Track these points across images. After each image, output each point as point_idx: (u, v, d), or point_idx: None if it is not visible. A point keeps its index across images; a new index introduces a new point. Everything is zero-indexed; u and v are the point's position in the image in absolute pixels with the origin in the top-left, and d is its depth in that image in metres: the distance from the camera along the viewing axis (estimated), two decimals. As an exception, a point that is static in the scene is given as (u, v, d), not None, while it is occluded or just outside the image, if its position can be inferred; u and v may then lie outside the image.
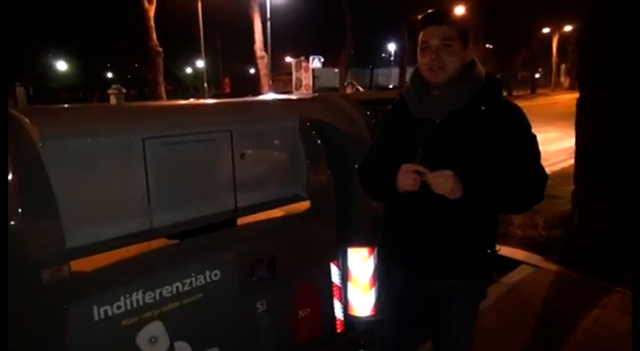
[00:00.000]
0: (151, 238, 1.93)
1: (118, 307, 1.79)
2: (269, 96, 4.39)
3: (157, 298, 1.89)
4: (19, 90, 26.50)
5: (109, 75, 55.99)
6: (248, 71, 48.51)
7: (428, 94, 1.77)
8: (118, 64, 51.15)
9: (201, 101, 2.59)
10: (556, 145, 10.78)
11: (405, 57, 34.20)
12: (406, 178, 1.68)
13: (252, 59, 27.07)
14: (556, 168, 8.14)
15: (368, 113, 2.80)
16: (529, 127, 1.75)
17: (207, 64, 29.64)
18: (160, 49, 19.69)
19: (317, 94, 3.74)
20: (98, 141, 1.76)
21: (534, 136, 1.75)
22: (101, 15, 37.20)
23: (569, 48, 43.41)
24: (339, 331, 2.68)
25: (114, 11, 35.49)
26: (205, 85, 23.94)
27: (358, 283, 2.75)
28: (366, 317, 2.78)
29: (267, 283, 2.28)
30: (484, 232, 1.82)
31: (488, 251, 1.84)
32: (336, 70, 33.79)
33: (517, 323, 3.32)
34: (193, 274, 1.99)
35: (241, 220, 2.25)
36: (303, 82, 24.83)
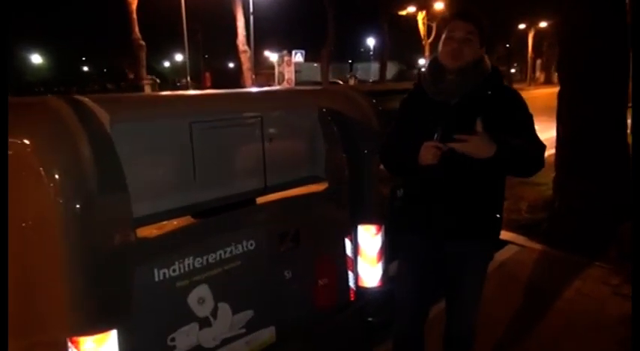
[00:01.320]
0: (197, 211, 2.17)
1: (174, 271, 2.03)
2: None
3: (205, 263, 2.14)
4: (-5, 83, 25.99)
5: (85, 68, 55.20)
6: (228, 66, 48.41)
7: (442, 79, 2.06)
8: (95, 57, 50.49)
9: (235, 90, 2.83)
10: (535, 137, 11.23)
11: (386, 52, 34.57)
12: (428, 153, 1.96)
13: (232, 54, 27.13)
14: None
15: (374, 102, 3.09)
16: (527, 107, 2.09)
17: (190, 58, 29.56)
18: (143, 43, 19.67)
19: (330, 86, 4.01)
20: (156, 124, 2.00)
21: (531, 115, 2.09)
22: (78, 8, 36.68)
23: (545, 44, 44.50)
24: (352, 299, 2.96)
25: (91, 4, 35.00)
26: (189, 78, 23.95)
27: (367, 257, 3.03)
28: (374, 288, 3.07)
29: (292, 254, 2.54)
30: (493, 199, 2.14)
31: (497, 216, 2.15)
32: (316, 64, 34.07)
33: (505, 295, 3.66)
34: (233, 244, 2.25)
35: (270, 197, 2.51)
36: (286, 76, 25.05)
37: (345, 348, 2.87)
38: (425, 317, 2.41)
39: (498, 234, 2.24)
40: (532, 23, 43.44)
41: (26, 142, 1.82)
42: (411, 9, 32.45)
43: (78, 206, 1.75)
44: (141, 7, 19.63)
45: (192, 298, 2.12)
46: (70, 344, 1.81)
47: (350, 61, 52.97)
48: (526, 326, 3.22)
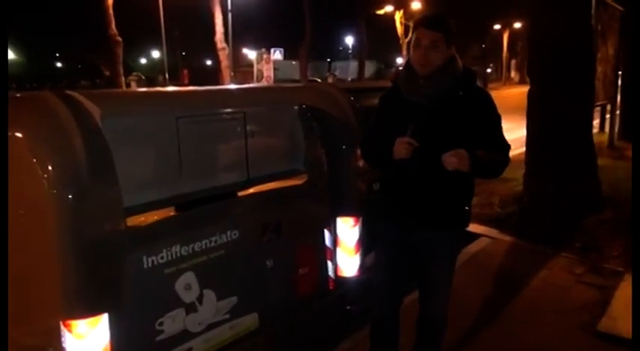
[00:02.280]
0: (183, 202, 2.28)
1: (162, 258, 2.14)
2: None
3: (190, 251, 2.25)
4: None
5: (59, 64, 54.11)
6: (206, 63, 48.02)
7: (416, 82, 2.20)
8: (68, 53, 49.52)
9: (220, 87, 2.93)
10: (509, 136, 11.46)
11: (364, 51, 34.80)
12: (401, 148, 2.11)
13: (210, 51, 26.93)
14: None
15: (352, 99, 3.23)
16: (496, 108, 2.23)
17: (166, 55, 29.16)
18: (120, 39, 19.47)
19: (310, 83, 4.14)
20: (144, 119, 2.10)
21: (500, 116, 2.24)
22: (52, 2, 35.95)
23: (519, 44, 45.32)
24: (331, 287, 3.09)
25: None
26: (167, 75, 23.79)
27: (346, 247, 3.16)
28: (352, 277, 3.20)
29: (274, 244, 2.67)
30: (462, 193, 2.29)
31: (466, 208, 2.30)
32: (294, 62, 34.10)
33: (477, 284, 3.84)
34: (218, 233, 2.36)
35: (252, 190, 2.63)
36: (265, 74, 25.03)
37: (325, 334, 3.00)
38: (399, 302, 2.55)
39: (466, 225, 2.40)
40: (507, 24, 44.19)
41: (21, 135, 1.90)
42: (389, 8, 32.73)
43: (70, 196, 1.85)
44: (117, 2, 19.41)
45: (179, 285, 2.23)
46: (63, 328, 1.90)
47: (328, 60, 53.07)
48: (495, 312, 3.40)
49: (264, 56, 25.02)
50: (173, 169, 2.25)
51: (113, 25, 19.27)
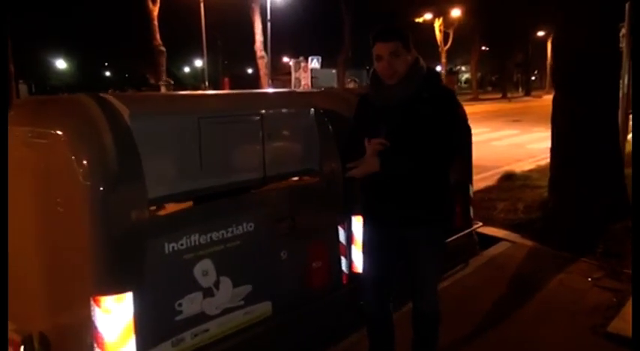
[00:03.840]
0: (202, 195, 2.50)
1: (182, 245, 2.36)
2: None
3: (209, 240, 2.46)
4: (22, 87, 27.05)
5: (107, 74, 56.43)
6: (246, 71, 49.05)
7: (383, 88, 2.34)
8: (116, 63, 51.59)
9: (239, 91, 3.16)
10: (546, 143, 11.38)
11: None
12: (373, 150, 2.24)
13: (250, 59, 27.55)
14: (543, 163, 8.73)
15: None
16: (457, 110, 2.38)
17: (209, 64, 30.05)
18: (164, 49, 20.25)
19: (328, 89, 4.32)
20: (168, 119, 2.34)
21: (458, 116, 2.38)
22: (101, 14, 37.64)
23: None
24: (344, 282, 3.25)
25: (114, 11, 35.92)
26: (207, 83, 24.53)
27: (360, 245, 3.31)
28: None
29: (288, 238, 2.85)
30: (435, 192, 2.38)
31: (444, 203, 2.43)
32: (333, 70, 34.45)
33: (495, 285, 3.91)
34: (234, 224, 2.57)
35: (269, 186, 2.82)
36: (302, 82, 25.45)
37: (334, 326, 3.15)
38: (389, 297, 2.63)
39: (447, 221, 2.50)
40: (551, 31, 43.24)
41: (59, 132, 2.17)
42: (428, 16, 32.65)
43: (101, 188, 2.09)
44: (162, 14, 20.23)
45: (197, 270, 2.45)
46: (92, 302, 2.14)
47: (368, 68, 53.22)
48: (509, 312, 3.46)
49: (302, 65, 25.42)
50: (194, 166, 2.48)
51: (157, 36, 20.08)
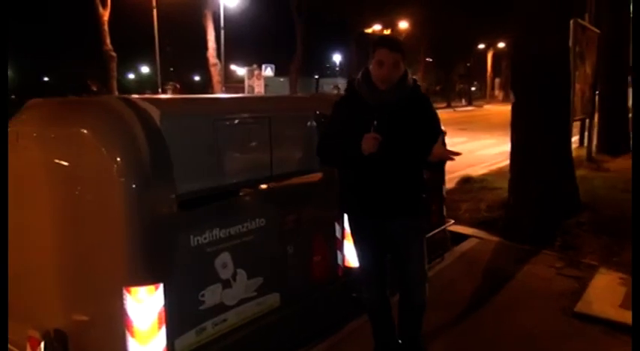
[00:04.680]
0: (221, 192, 2.65)
1: (205, 238, 2.51)
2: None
3: (227, 234, 2.62)
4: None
5: (46, 79, 54.07)
6: (194, 79, 48.40)
7: (377, 90, 2.57)
8: (57, 68, 49.59)
9: (249, 95, 3.32)
10: (494, 150, 12.13)
11: (353, 67, 35.46)
12: (369, 142, 2.44)
13: (198, 67, 27.26)
14: (494, 168, 9.33)
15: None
16: (434, 109, 2.73)
17: (154, 70, 29.28)
18: (114, 54, 19.81)
19: (323, 94, 4.55)
20: (194, 120, 2.49)
21: (436, 114, 2.72)
22: (45, 18, 36.18)
23: (503, 64, 46.51)
24: (340, 275, 3.47)
25: (60, 15, 34.61)
26: (160, 90, 24.11)
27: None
28: (357, 267, 3.58)
29: (294, 233, 3.05)
30: (417, 183, 2.67)
31: (423, 196, 2.71)
32: (282, 78, 34.72)
33: (468, 276, 4.25)
34: (249, 220, 2.74)
35: (276, 184, 3.01)
36: (256, 90, 25.51)
37: (334, 315, 3.37)
38: (386, 284, 2.84)
39: (427, 211, 2.76)
40: (491, 44, 45.43)
41: (94, 133, 2.28)
42: (377, 27, 33.58)
43: (137, 185, 2.23)
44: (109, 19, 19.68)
45: (217, 263, 2.60)
46: (125, 293, 2.26)
47: (316, 77, 53.83)
48: (484, 299, 3.79)
49: (255, 72, 25.52)
50: (215, 164, 2.64)
51: (108, 41, 19.64)
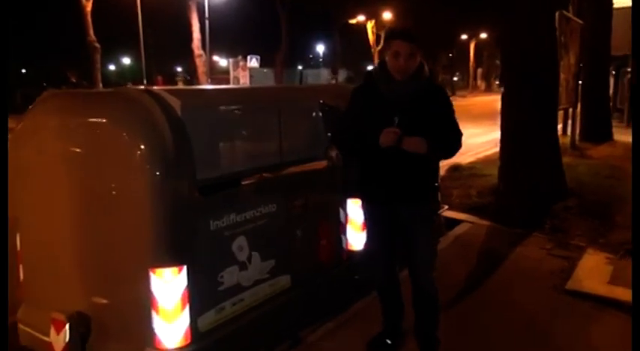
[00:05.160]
0: (236, 178, 2.78)
1: (223, 223, 2.63)
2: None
3: (243, 219, 2.74)
4: None
5: (23, 71, 53.03)
6: (176, 70, 47.96)
7: (392, 83, 2.66)
8: (34, 60, 48.66)
9: (259, 86, 3.44)
10: (480, 139, 12.40)
11: (337, 58, 35.56)
12: (388, 137, 2.55)
13: (180, 58, 27.01)
14: (481, 156, 9.57)
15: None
16: (451, 102, 2.81)
17: (135, 62, 28.91)
18: (98, 45, 19.60)
19: (327, 84, 4.67)
20: (210, 110, 2.60)
21: (452, 106, 2.79)
22: (19, 10, 35.43)
23: (485, 54, 47.04)
24: (344, 258, 3.62)
25: (35, 7, 33.94)
26: (145, 82, 23.98)
27: (355, 224, 3.70)
28: (360, 250, 3.73)
29: (302, 218, 3.18)
30: (431, 172, 2.81)
31: (436, 184, 2.85)
32: (266, 70, 34.67)
33: (462, 259, 4.44)
34: (262, 205, 2.86)
35: (286, 171, 3.13)
36: (241, 81, 25.50)
37: (339, 297, 3.52)
38: (395, 267, 2.99)
39: (437, 199, 2.90)
40: (473, 34, 45.81)
41: (118, 123, 2.39)
42: (361, 18, 33.65)
43: (161, 171, 2.34)
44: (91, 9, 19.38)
45: (235, 246, 2.72)
46: (151, 274, 2.38)
47: (300, 68, 53.73)
48: (480, 280, 3.99)
49: (240, 63, 25.48)
50: (231, 151, 2.76)
51: (91, 32, 19.41)
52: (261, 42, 33.98)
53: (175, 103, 2.45)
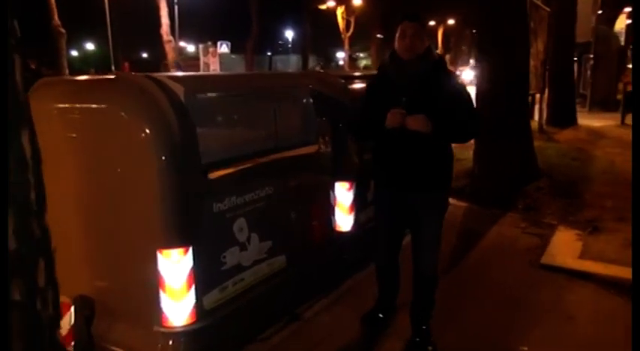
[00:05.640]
0: (236, 162, 2.88)
1: (225, 205, 2.73)
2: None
3: (243, 201, 2.85)
4: None
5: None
6: (142, 56, 46.85)
7: (401, 65, 2.76)
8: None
9: (254, 73, 3.52)
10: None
11: (308, 45, 35.42)
12: (394, 118, 2.65)
13: (145, 44, 26.40)
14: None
15: (346, 84, 3.92)
16: (464, 86, 2.86)
17: (99, 47, 28.06)
18: (63, 31, 19.00)
19: (319, 71, 4.76)
20: (212, 96, 2.69)
21: (467, 91, 2.83)
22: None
23: (452, 40, 47.64)
24: (334, 239, 3.77)
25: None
26: (113, 68, 23.45)
27: (343, 207, 3.84)
28: (348, 232, 3.89)
29: (296, 200, 3.31)
30: (444, 158, 2.85)
31: (447, 172, 2.88)
32: (233, 56, 34.28)
33: (445, 238, 4.59)
34: (260, 187, 2.97)
35: (281, 155, 3.24)
36: (211, 67, 25.17)
37: (330, 275, 3.68)
38: (397, 251, 3.08)
39: (449, 186, 2.96)
40: (441, 21, 46.24)
41: (125, 108, 2.45)
42: (331, 3, 33.56)
43: (168, 156, 2.42)
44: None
45: (235, 227, 2.84)
46: (159, 255, 2.47)
47: (269, 54, 53.26)
48: (461, 257, 4.21)
49: (211, 50, 25.14)
50: (231, 136, 2.86)
51: (56, 16, 18.78)
52: (230, 28, 33.55)
53: (178, 89, 2.52)
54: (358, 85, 4.14)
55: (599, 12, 15.03)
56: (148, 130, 2.41)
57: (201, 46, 25.07)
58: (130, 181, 2.51)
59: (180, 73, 3.04)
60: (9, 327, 1.09)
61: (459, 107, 2.74)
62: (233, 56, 34.75)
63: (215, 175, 2.65)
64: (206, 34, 29.17)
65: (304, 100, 3.50)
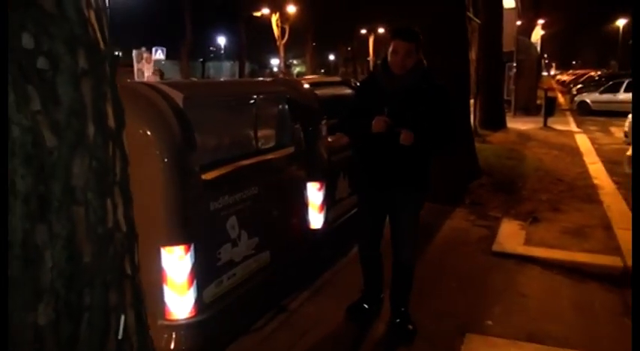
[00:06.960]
0: (228, 164, 3.06)
1: (220, 204, 2.91)
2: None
3: (234, 201, 3.04)
4: None
5: None
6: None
7: (392, 77, 3.02)
8: None
9: (238, 79, 3.70)
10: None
11: (243, 52, 35.39)
12: (379, 124, 2.90)
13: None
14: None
15: (314, 90, 4.19)
16: (449, 98, 3.08)
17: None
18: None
19: (289, 78, 4.98)
20: (207, 101, 2.86)
21: (450, 104, 3.07)
22: None
23: (383, 48, 49.21)
24: (310, 236, 4.01)
25: None
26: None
27: (314, 206, 4.10)
28: (319, 229, 4.14)
29: (277, 198, 3.53)
30: (423, 160, 3.09)
31: (426, 172, 3.14)
32: (163, 61, 33.61)
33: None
34: (247, 188, 3.17)
35: (263, 157, 3.44)
36: (146, 74, 24.55)
37: (308, 270, 3.91)
38: (379, 243, 3.32)
39: (428, 185, 3.21)
40: (372, 29, 47.74)
41: (129, 115, 2.56)
42: (265, 11, 33.79)
43: (171, 157, 2.58)
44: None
45: (228, 225, 3.01)
46: (163, 251, 2.61)
47: (201, 60, 52.54)
48: (422, 248, 4.57)
49: (145, 55, 24.53)
50: (224, 139, 3.04)
51: None
52: (160, 34, 32.87)
53: (177, 95, 2.69)
54: (324, 91, 4.44)
55: (519, 23, 16.30)
56: (151, 134, 2.55)
57: (135, 52, 24.41)
58: (133, 181, 2.62)
59: (178, 81, 3.18)
60: (123, 297, 1.27)
61: (439, 118, 2.96)
62: (163, 62, 34.02)
63: (210, 175, 2.82)
64: (134, 41, 28.45)
65: (280, 106, 3.73)
